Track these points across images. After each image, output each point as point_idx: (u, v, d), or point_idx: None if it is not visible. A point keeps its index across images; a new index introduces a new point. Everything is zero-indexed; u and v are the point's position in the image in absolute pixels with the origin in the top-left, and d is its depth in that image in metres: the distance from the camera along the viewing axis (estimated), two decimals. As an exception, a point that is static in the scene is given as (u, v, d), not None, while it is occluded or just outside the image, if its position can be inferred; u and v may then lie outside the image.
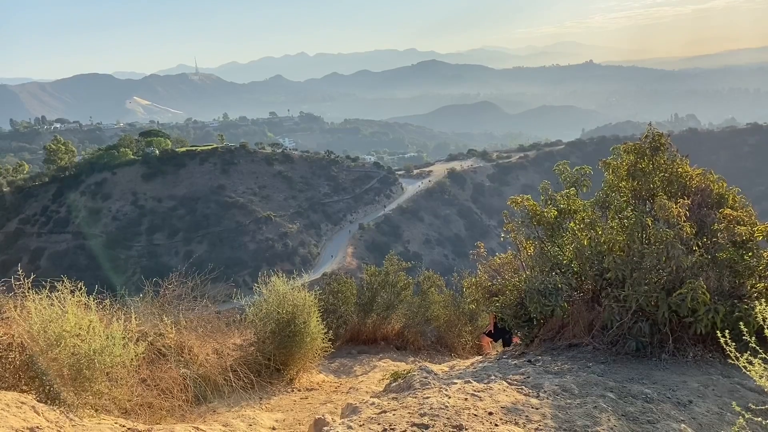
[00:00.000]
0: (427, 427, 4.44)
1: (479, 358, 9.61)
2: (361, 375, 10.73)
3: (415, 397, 5.20)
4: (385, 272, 14.31)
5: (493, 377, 6.01)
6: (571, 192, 8.45)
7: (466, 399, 5.08)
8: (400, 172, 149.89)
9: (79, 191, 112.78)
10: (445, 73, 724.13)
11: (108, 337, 5.63)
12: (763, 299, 5.09)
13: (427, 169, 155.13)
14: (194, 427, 5.68)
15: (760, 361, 3.57)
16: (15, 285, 5.79)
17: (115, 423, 5.18)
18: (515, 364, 6.92)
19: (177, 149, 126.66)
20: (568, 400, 5.18)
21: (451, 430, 4.42)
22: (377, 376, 9.60)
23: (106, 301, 6.41)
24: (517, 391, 5.40)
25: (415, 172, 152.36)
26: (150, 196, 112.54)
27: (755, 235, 6.89)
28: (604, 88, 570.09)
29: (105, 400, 5.55)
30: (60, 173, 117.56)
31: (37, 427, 4.13)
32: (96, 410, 5.39)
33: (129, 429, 5.18)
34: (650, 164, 7.68)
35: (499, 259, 9.28)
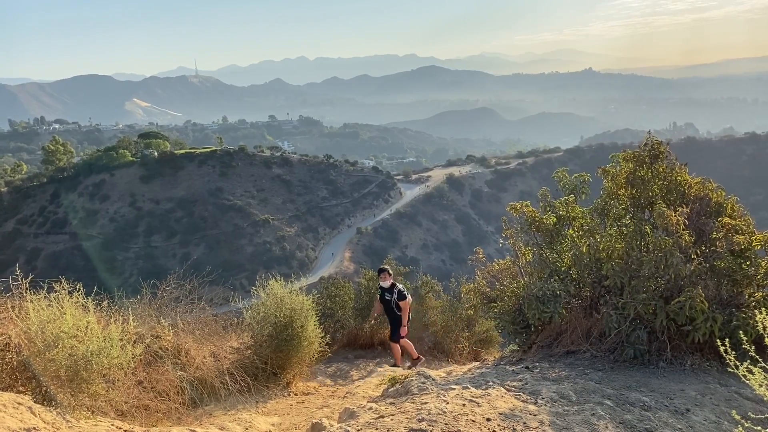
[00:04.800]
0: (424, 432, 4.43)
1: (477, 364, 9.60)
2: (358, 380, 10.72)
3: (413, 403, 5.18)
4: (383, 277, 14.27)
5: (491, 383, 6.00)
6: (570, 199, 8.46)
7: (464, 405, 5.07)
8: (398, 177, 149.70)
9: (77, 192, 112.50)
10: (444, 79, 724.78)
11: (105, 339, 5.61)
12: (763, 308, 5.10)
13: (425, 174, 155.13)
14: (190, 430, 5.66)
15: (760, 370, 3.57)
16: (12, 285, 5.78)
17: (111, 425, 5.15)
18: (513, 370, 6.91)
19: (175, 151, 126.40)
20: (566, 407, 5.17)
21: (449, 435, 4.41)
22: (374, 381, 9.58)
23: (103, 303, 6.39)
24: (515, 398, 5.40)
25: (414, 177, 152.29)
26: (148, 198, 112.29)
27: (753, 244, 6.91)
28: (603, 95, 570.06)
29: (101, 401, 5.53)
30: (58, 174, 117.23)
31: (34, 428, 4.11)
32: (92, 412, 5.37)
33: (125, 431, 5.16)
34: (649, 172, 7.70)
35: (498, 265, 9.28)
